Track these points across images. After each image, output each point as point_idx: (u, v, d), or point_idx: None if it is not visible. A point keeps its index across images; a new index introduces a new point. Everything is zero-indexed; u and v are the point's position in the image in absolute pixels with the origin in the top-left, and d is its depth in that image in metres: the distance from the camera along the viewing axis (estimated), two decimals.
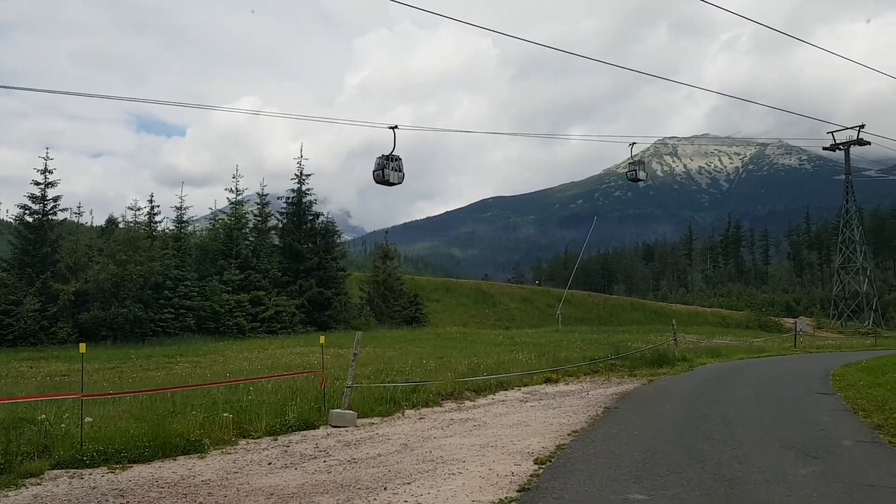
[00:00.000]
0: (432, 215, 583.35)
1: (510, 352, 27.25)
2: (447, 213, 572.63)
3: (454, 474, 6.97)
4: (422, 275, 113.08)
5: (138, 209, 44.98)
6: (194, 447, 8.83)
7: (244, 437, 9.81)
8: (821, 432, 9.15)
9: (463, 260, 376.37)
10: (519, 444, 8.70)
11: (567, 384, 16.73)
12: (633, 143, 26.02)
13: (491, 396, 14.57)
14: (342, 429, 10.35)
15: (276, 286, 46.52)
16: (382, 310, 53.49)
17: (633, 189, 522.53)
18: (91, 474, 7.58)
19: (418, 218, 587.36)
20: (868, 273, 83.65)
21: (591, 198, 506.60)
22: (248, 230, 48.31)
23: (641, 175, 27.86)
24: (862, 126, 76.36)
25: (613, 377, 18.13)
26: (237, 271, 44.76)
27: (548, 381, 17.00)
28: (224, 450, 9.01)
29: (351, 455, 8.27)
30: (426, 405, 13.05)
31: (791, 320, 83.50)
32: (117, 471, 7.75)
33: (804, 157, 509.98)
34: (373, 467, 7.51)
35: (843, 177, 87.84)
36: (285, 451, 8.77)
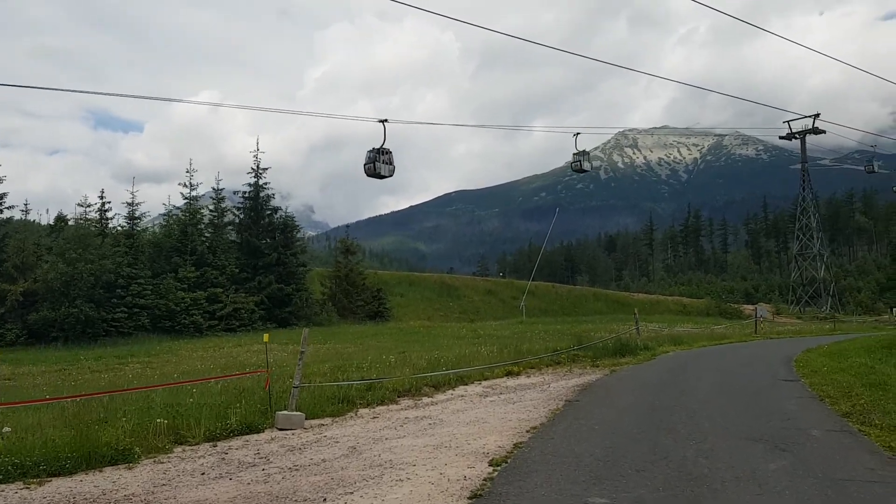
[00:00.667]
0: (397, 210, 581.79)
1: (473, 345, 26.77)
2: (412, 207, 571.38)
3: (402, 480, 6.41)
4: (387, 269, 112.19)
5: (89, 206, 43.39)
6: (123, 457, 8.11)
7: (181, 443, 9.11)
8: (788, 422, 8.82)
9: (428, 254, 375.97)
10: (474, 443, 8.17)
11: (529, 377, 16.30)
12: (577, 134, 26.11)
13: (450, 392, 14.05)
14: (289, 432, 9.70)
15: (234, 283, 45.38)
16: (345, 305, 52.67)
17: (595, 181, 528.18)
18: (3, 491, 6.83)
19: (383, 213, 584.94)
20: (825, 259, 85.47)
21: (555, 190, 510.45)
22: (203, 226, 46.99)
23: (586, 166, 27.74)
24: (817, 115, 77.90)
25: (576, 368, 17.78)
26: (193, 268, 43.50)
27: (509, 374, 16.55)
28: (156, 459, 8.31)
29: (293, 461, 7.65)
30: (382, 403, 12.46)
31: (750, 307, 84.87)
32: (33, 486, 7.01)
33: (760, 148, 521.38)
34: (315, 475, 6.91)
35: (798, 166, 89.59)
36: (223, 458, 8.10)
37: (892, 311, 73.68)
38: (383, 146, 21.72)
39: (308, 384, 11.98)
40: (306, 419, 10.57)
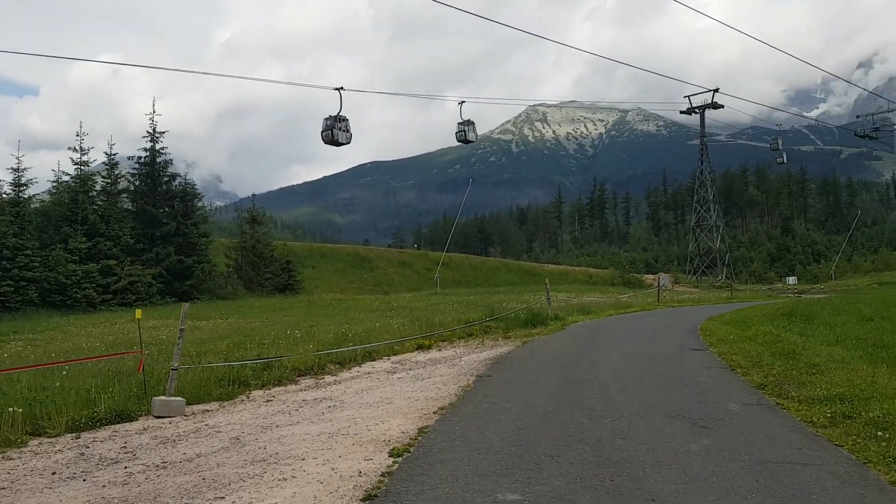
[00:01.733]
0: (309, 180, 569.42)
1: (385, 317, 26.01)
2: (325, 177, 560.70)
3: (285, 479, 5.53)
4: (301, 241, 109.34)
5: None
6: None
7: (39, 435, 7.89)
8: (703, 395, 8.50)
9: (343, 226, 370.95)
10: (376, 429, 7.39)
11: (440, 350, 15.66)
12: (462, 102, 25.63)
13: (356, 369, 13.21)
14: (166, 420, 8.61)
15: (130, 254, 42.49)
16: (252, 278, 50.59)
17: (507, 155, 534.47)
18: None
19: (295, 183, 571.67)
20: (720, 231, 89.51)
21: (468, 163, 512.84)
22: (95, 194, 43.61)
23: (471, 136, 27.39)
24: (716, 90, 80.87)
25: (488, 340, 17.30)
26: (84, 239, 40.34)
27: (420, 347, 15.86)
28: (6, 454, 7.09)
29: (163, 457, 6.63)
30: (279, 384, 11.48)
31: (651, 277, 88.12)
32: None
33: (661, 124, 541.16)
34: (185, 474, 5.93)
35: (696, 142, 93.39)
36: (82, 454, 6.97)
37: (784, 279, 78.23)
38: (340, 113, 21.78)
39: (190, 366, 10.81)
40: (189, 404, 9.47)
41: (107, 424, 8.33)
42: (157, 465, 6.32)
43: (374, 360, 14.24)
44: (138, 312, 10.18)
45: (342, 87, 21.01)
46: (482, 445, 6.23)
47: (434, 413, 8.03)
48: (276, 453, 6.48)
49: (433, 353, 15.14)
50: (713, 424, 6.91)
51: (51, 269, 37.22)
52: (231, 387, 10.83)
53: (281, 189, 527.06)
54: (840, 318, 18.29)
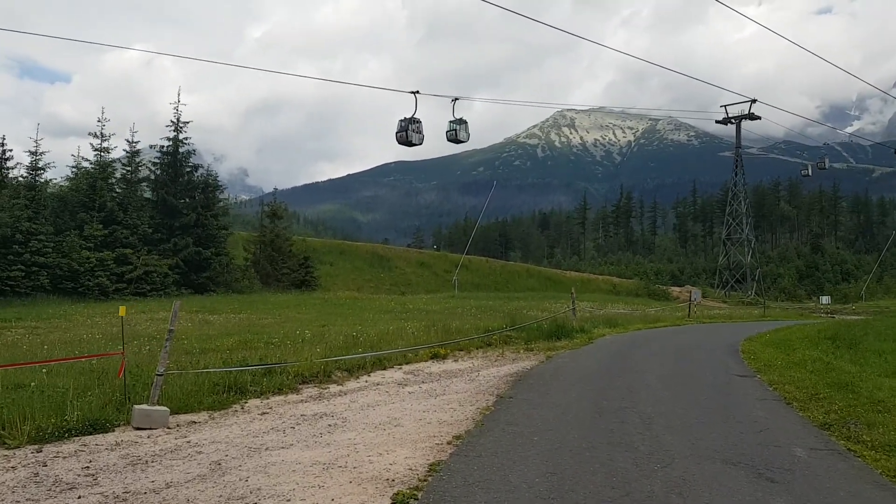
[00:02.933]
0: (334, 177, 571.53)
1: (400, 320, 24.96)
2: (349, 175, 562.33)
3: None
4: (322, 238, 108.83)
5: None
6: None
7: None
8: (763, 436, 7.28)
9: (365, 224, 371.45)
10: (379, 461, 6.29)
11: (456, 361, 14.55)
12: (456, 99, 24.53)
13: (365, 378, 12.14)
14: (145, 432, 7.59)
15: (147, 244, 41.95)
16: (269, 272, 49.88)
17: (532, 159, 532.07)
18: None
19: (320, 180, 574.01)
20: (752, 245, 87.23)
21: (493, 166, 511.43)
22: (115, 181, 43.13)
23: (462, 135, 26.15)
24: (754, 100, 78.82)
25: (508, 352, 16.14)
26: (101, 226, 39.85)
27: (435, 357, 14.76)
28: None
29: (126, 485, 5.58)
30: (279, 392, 10.45)
31: (678, 289, 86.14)
32: None
33: (692, 134, 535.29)
34: None
35: (727, 154, 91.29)
36: (36, 474, 5.96)
37: (817, 298, 75.78)
38: (414, 115, 23.28)
39: (179, 370, 9.79)
40: (176, 413, 8.48)
41: (77, 435, 7.34)
42: (117, 497, 5.28)
43: (384, 368, 13.17)
44: (122, 310, 9.17)
45: (418, 91, 22.23)
46: (506, 496, 5.10)
47: (448, 443, 6.91)
48: (259, 489, 5.41)
49: (449, 364, 14.03)
50: (782, 476, 5.72)
51: (64, 256, 36.71)
52: (226, 394, 9.82)
53: (305, 185, 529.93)
54: (888, 344, 16.88)
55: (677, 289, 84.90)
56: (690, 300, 36.90)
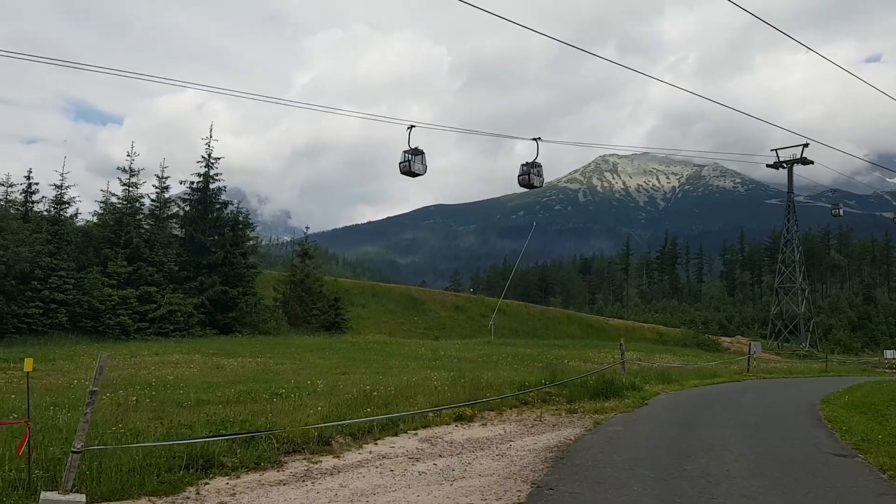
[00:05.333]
0: (374, 220, 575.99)
1: (428, 368, 22.66)
2: (389, 218, 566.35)
3: None
4: (359, 279, 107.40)
5: (11, 185, 38.43)
6: None
7: None
8: None
9: (403, 266, 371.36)
10: None
11: (485, 425, 12.16)
12: (412, 126, 23.69)
13: (370, 447, 9.87)
14: None
15: (173, 282, 40.61)
16: (298, 313, 48.12)
17: (573, 204, 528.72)
18: None
19: (360, 222, 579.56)
20: (805, 294, 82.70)
21: (533, 210, 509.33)
22: (142, 217, 42.14)
23: (417, 168, 24.44)
24: (807, 144, 75.51)
25: (547, 413, 13.68)
26: (125, 263, 38.68)
27: (460, 418, 12.40)
28: None
29: None
30: (257, 466, 8.26)
31: (728, 339, 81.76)
32: None
33: (738, 181, 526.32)
34: None
35: (774, 201, 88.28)
36: None
37: (881, 352, 70.76)
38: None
39: (106, 446, 7.59)
40: (105, 502, 6.34)
41: None
42: None
43: (397, 434, 10.87)
44: (28, 363, 7.09)
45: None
46: None
47: None
48: None
49: (475, 429, 11.66)
50: None
51: (85, 293, 35.45)
52: (183, 472, 7.65)
53: (346, 227, 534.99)
54: None
55: (727, 339, 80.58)
56: (749, 353, 33.68)
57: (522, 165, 27.33)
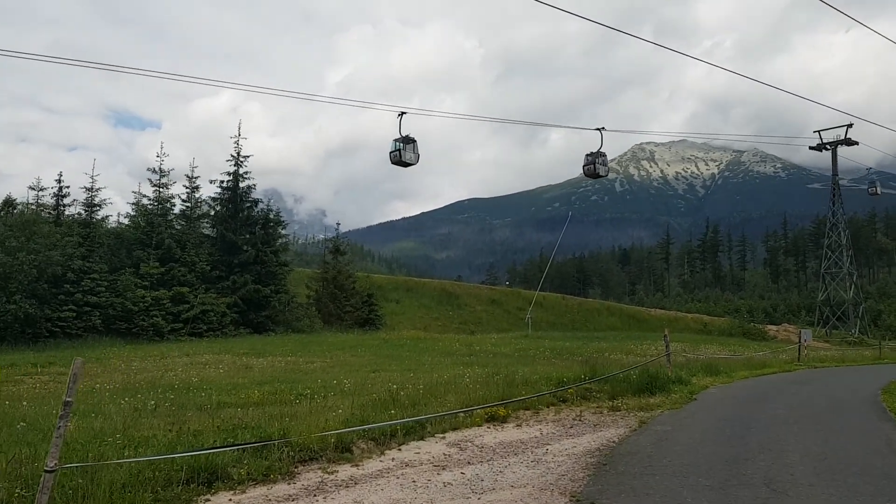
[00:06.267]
0: (408, 216, 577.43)
1: (461, 364, 21.83)
2: (423, 213, 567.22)
3: None
4: (395, 275, 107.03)
5: (42, 189, 38.67)
6: None
7: None
8: None
9: (438, 262, 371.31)
10: None
11: (519, 426, 11.24)
12: (403, 113, 21.98)
13: (393, 453, 9.05)
14: None
15: (205, 282, 40.52)
16: (331, 310, 47.74)
17: (609, 193, 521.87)
18: None
19: (394, 218, 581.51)
20: (854, 279, 79.56)
21: (569, 201, 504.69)
22: (173, 217, 42.12)
23: (408, 157, 23.44)
24: (850, 125, 72.44)
25: (588, 412, 12.70)
26: (157, 264, 38.68)
27: (492, 419, 11.51)
28: None
29: None
30: (266, 479, 7.50)
31: (774, 327, 79.15)
32: None
33: (779, 166, 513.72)
34: None
35: (817, 185, 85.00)
36: None
37: None
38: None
39: (83, 463, 6.81)
40: None
41: None
42: None
43: (423, 437, 10.04)
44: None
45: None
46: None
47: None
48: None
49: (509, 431, 10.75)
50: None
51: (118, 295, 35.45)
52: (182, 487, 6.92)
53: (381, 224, 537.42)
54: None
55: (774, 327, 78.03)
56: (800, 341, 32.01)
57: (587, 156, 27.87)
